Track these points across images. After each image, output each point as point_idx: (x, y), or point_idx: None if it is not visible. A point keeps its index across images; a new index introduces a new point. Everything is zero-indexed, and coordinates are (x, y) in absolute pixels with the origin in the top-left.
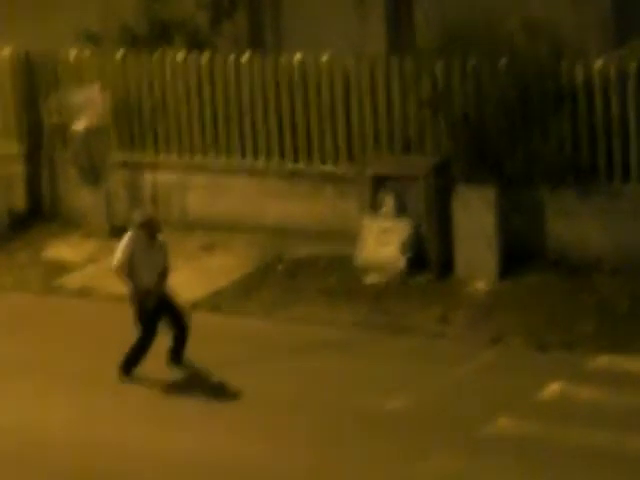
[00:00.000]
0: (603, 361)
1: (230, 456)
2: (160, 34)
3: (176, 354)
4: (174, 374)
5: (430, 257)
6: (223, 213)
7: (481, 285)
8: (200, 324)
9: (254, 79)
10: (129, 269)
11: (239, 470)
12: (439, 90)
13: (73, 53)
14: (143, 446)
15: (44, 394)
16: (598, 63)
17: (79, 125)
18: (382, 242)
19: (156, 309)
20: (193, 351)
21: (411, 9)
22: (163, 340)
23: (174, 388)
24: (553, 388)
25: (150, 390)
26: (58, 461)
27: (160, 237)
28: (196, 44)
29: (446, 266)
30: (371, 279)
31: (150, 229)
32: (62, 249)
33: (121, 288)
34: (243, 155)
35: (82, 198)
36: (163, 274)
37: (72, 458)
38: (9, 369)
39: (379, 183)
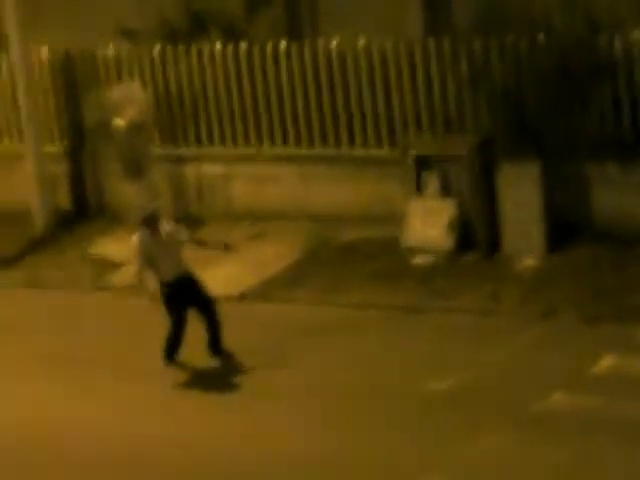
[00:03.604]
0: None
1: (290, 444)
2: (197, 26)
3: (212, 345)
4: (219, 363)
5: (477, 235)
6: (268, 202)
7: (529, 261)
8: (249, 314)
9: (292, 67)
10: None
11: (303, 460)
12: (478, 68)
13: (111, 49)
14: (199, 436)
15: (94, 388)
16: (636, 33)
17: (121, 121)
18: (428, 223)
19: (180, 296)
20: (243, 340)
21: None
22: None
23: (220, 376)
24: (606, 361)
25: (200, 379)
26: (111, 453)
27: (165, 226)
28: (233, 35)
29: (493, 244)
30: (419, 260)
31: (150, 224)
32: (109, 245)
33: None
34: (285, 143)
35: (126, 194)
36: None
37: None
38: (60, 364)
39: (422, 164)
